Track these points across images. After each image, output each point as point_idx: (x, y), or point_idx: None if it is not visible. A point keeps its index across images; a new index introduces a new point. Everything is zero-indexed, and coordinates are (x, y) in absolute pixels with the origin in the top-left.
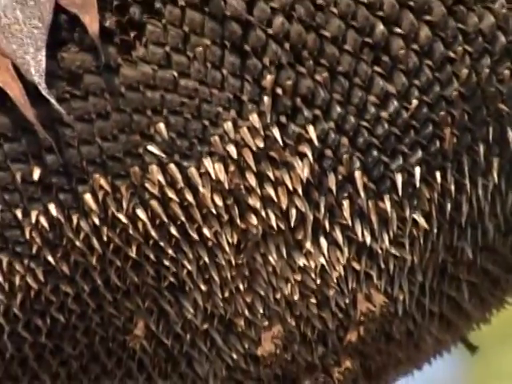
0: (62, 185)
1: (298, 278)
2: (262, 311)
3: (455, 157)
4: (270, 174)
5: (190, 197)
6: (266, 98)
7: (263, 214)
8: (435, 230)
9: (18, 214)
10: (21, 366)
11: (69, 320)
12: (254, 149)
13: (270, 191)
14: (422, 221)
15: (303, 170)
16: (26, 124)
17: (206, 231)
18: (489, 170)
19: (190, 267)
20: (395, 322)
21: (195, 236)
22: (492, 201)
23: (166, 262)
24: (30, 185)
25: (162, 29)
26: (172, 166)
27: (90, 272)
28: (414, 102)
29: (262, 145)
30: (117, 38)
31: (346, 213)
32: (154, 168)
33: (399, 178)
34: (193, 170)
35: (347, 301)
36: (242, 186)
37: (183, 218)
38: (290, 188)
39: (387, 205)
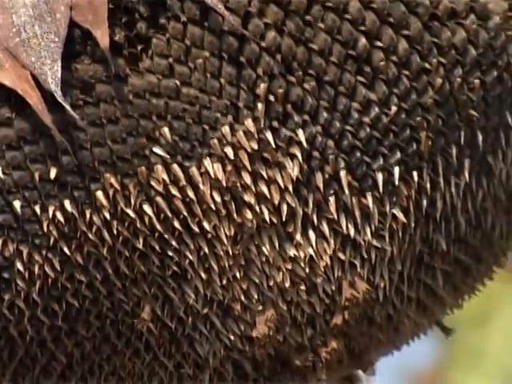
0: (76, 183)
1: (289, 266)
2: (256, 297)
3: (430, 158)
4: (264, 173)
5: (191, 194)
6: (259, 105)
7: (257, 209)
8: (412, 224)
9: (37, 209)
10: (39, 347)
11: (82, 305)
12: (249, 150)
13: (264, 188)
14: (400, 215)
15: (293, 170)
16: (43, 128)
17: (205, 225)
18: (461, 170)
19: (191, 257)
20: (376, 306)
21: (196, 229)
22: (464, 198)
23: (170, 253)
24: (47, 183)
25: (166, 42)
26: (175, 166)
27: (101, 262)
28: (393, 108)
29: (256, 147)
30: (125, 50)
31: (332, 208)
32: (158, 168)
33: (380, 177)
34: (194, 170)
35: (333, 288)
36: (238, 184)
37: (185, 213)
38: (282, 186)
39: (369, 201)
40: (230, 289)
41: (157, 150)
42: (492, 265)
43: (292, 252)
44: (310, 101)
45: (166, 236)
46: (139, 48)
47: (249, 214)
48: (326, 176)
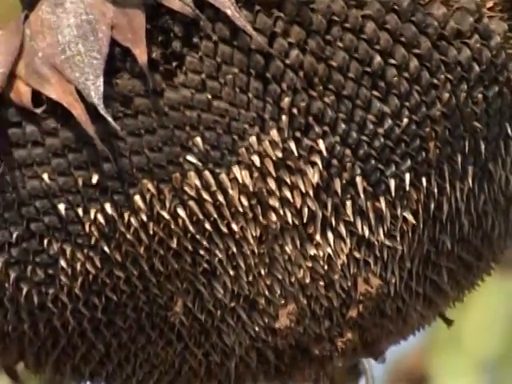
0: (115, 188)
1: (309, 264)
2: (279, 292)
3: (438, 165)
4: (287, 179)
5: (221, 198)
6: (284, 117)
7: (281, 212)
8: (421, 225)
9: (80, 211)
10: (80, 337)
11: (120, 299)
12: (274, 158)
13: (287, 193)
14: (410, 218)
15: (314, 176)
16: (86, 138)
17: (234, 226)
18: (465, 176)
19: (220, 256)
20: (388, 300)
21: (225, 230)
22: (467, 201)
23: (201, 252)
24: (90, 188)
25: (199, 59)
26: (207, 173)
27: (138, 259)
28: (405, 120)
29: (280, 155)
30: (161, 67)
31: (349, 211)
32: (191, 174)
33: (392, 183)
34: (224, 176)
35: (349, 283)
36: (263, 189)
37: (215, 215)
38: (303, 191)
39: (382, 204)
40: (255, 284)
41: (190, 157)
42: (491, 262)
43: (312, 251)
44: (330, 113)
45: (197, 236)
46: (174, 65)
47: (273, 217)
48: (344, 182)
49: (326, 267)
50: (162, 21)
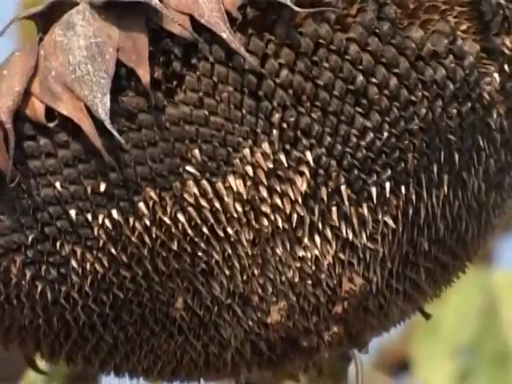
0: (121, 195)
1: (298, 265)
2: (271, 290)
3: (416, 174)
4: (278, 188)
5: (217, 204)
6: (274, 131)
7: (272, 217)
8: (400, 229)
9: (89, 217)
10: (90, 330)
11: (126, 296)
12: (266, 169)
13: (278, 200)
14: (390, 222)
15: (302, 185)
16: (94, 150)
17: (229, 230)
18: (440, 184)
19: (217, 257)
20: (370, 297)
21: (221, 234)
22: (443, 207)
23: (200, 253)
24: (98, 195)
25: (197, 79)
26: (204, 182)
27: (142, 260)
28: (385, 134)
29: (271, 166)
30: (163, 85)
31: (334, 216)
32: (190, 183)
33: (374, 191)
34: (220, 185)
35: (335, 282)
36: (256, 197)
37: (212, 220)
38: (292, 198)
39: (365, 210)
40: (249, 283)
41: (189, 168)
42: (465, 261)
43: (301, 253)
44: (316, 127)
45: (196, 239)
46: (174, 83)
47: (265, 222)
48: (329, 190)
49: (313, 267)
50: (163, 43)
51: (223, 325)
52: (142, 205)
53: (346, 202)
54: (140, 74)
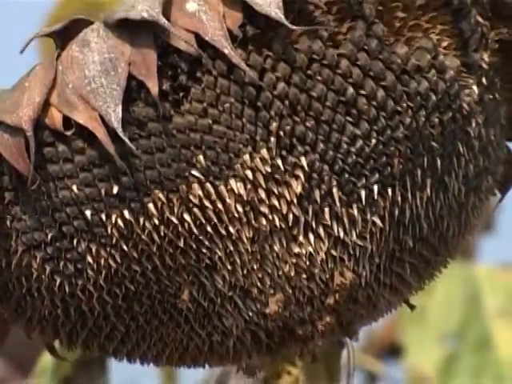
0: (132, 197)
1: (294, 260)
2: (269, 283)
3: (401, 178)
4: (275, 190)
5: (220, 205)
6: (272, 138)
7: (270, 217)
8: (387, 228)
9: (103, 216)
10: (104, 320)
11: (137, 289)
12: (264, 173)
13: (275, 202)
14: (378, 221)
15: (297, 187)
16: (108, 156)
17: (231, 229)
18: (424, 187)
19: (220, 253)
20: (360, 290)
21: (224, 232)
22: (426, 208)
23: (204, 250)
24: (111, 197)
25: (201, 91)
26: (208, 185)
27: (151, 256)
28: (373, 141)
29: (269, 170)
30: (170, 96)
31: (327, 216)
32: (195, 186)
33: (363, 193)
34: (222, 188)
35: (327, 276)
36: (255, 199)
37: (215, 220)
38: (288, 199)
39: (355, 211)
40: (249, 277)
41: (194, 172)
42: (447, 257)
43: (296, 249)
44: (310, 135)
45: (200, 237)
46: (181, 95)
47: (263, 221)
48: (322, 192)
49: (307, 263)
50: (170, 58)
51: (226, 315)
52: (151, 206)
53: (338, 203)
54: (149, 86)
